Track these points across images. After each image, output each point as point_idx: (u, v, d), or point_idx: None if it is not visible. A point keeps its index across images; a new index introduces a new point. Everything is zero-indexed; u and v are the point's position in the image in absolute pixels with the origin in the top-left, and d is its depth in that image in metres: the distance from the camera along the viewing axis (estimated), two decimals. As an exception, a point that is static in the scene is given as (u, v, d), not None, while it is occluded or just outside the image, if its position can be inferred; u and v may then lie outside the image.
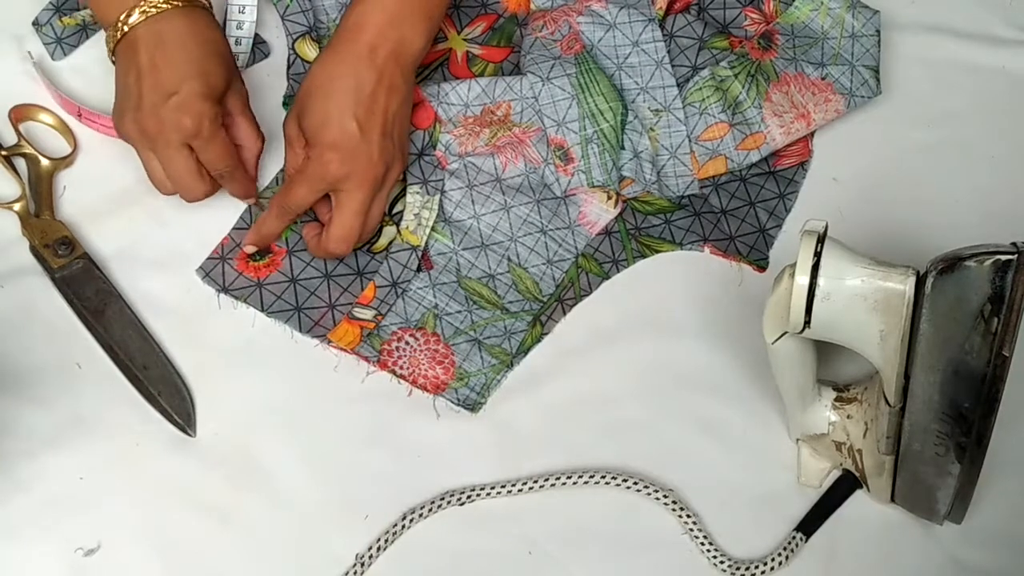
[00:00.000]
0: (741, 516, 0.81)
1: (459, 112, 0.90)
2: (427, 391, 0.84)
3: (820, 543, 0.80)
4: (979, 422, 0.67)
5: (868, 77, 0.93)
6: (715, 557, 0.79)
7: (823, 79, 0.92)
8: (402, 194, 0.89)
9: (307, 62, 0.92)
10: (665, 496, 0.81)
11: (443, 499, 0.80)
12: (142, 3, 0.80)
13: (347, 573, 0.78)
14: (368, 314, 0.85)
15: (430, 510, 0.80)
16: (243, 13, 0.93)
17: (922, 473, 0.75)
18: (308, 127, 0.82)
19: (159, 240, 0.87)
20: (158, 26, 0.80)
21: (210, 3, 0.84)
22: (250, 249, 0.86)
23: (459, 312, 0.86)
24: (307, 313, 0.85)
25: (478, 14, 0.97)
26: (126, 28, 0.80)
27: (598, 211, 0.90)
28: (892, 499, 0.80)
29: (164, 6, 0.80)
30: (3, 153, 0.89)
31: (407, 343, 0.85)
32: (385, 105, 0.82)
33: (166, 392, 0.82)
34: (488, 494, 0.81)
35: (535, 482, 0.81)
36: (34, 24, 0.93)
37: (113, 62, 0.82)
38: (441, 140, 0.90)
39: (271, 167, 0.90)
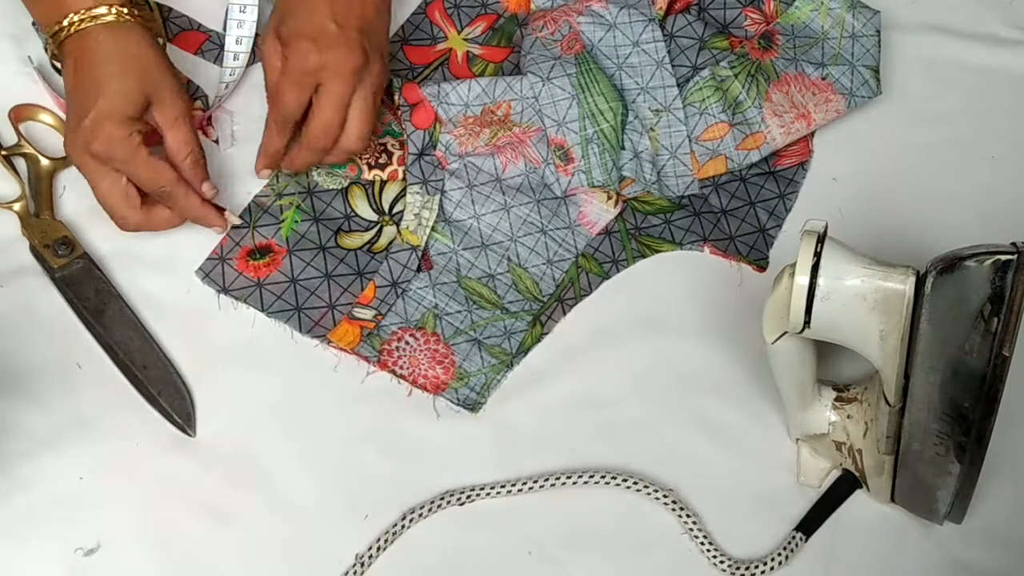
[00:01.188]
0: (741, 516, 0.81)
1: (459, 112, 0.90)
2: (427, 391, 0.84)
3: (820, 543, 0.80)
4: (979, 422, 0.67)
5: (868, 77, 0.93)
6: (715, 557, 0.79)
7: (823, 79, 0.92)
8: (402, 194, 0.89)
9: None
10: (665, 496, 0.81)
11: (443, 499, 0.80)
12: (71, 14, 0.80)
13: (347, 573, 0.78)
14: (368, 314, 0.85)
15: (430, 510, 0.80)
16: (244, 12, 0.93)
17: (922, 473, 0.75)
18: (287, 32, 0.84)
19: (159, 240, 0.87)
20: (82, 42, 0.80)
21: (154, 9, 0.86)
22: (265, 174, 0.87)
23: (459, 312, 0.86)
24: (307, 313, 0.85)
25: (478, 14, 0.97)
26: (59, 40, 0.81)
27: (598, 211, 0.90)
28: (892, 499, 0.80)
29: (88, 24, 0.80)
30: (3, 153, 0.89)
31: (407, 343, 0.85)
32: (361, 9, 0.84)
33: (166, 392, 0.82)
34: (488, 494, 0.81)
35: (535, 482, 0.81)
36: (34, 24, 0.93)
37: (56, 68, 0.84)
38: (441, 140, 0.90)
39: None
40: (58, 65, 0.84)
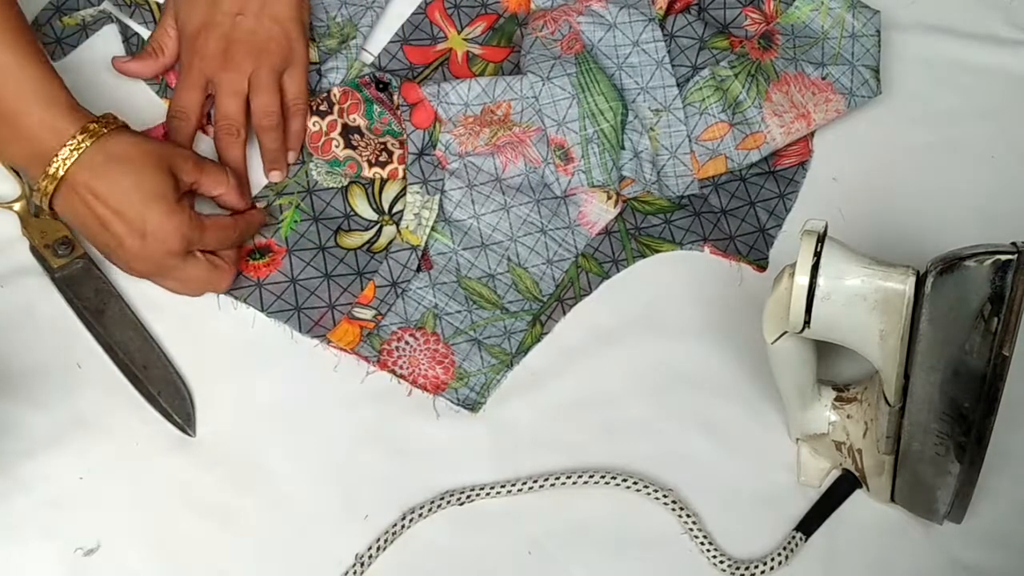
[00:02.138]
0: (741, 516, 0.81)
1: (459, 112, 0.90)
2: (427, 391, 0.84)
3: (820, 543, 0.80)
4: (979, 422, 0.67)
5: (868, 77, 0.93)
6: (715, 557, 0.79)
7: (823, 79, 0.92)
8: (402, 193, 0.89)
9: (310, 62, 0.92)
10: (665, 496, 0.81)
11: (443, 499, 0.80)
12: (61, 150, 0.76)
13: (347, 573, 0.78)
14: (368, 314, 0.85)
15: (430, 510, 0.80)
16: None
17: (922, 473, 0.75)
18: (180, 22, 0.88)
19: (159, 240, 0.87)
20: (85, 172, 0.77)
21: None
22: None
23: (459, 312, 0.86)
24: (307, 313, 0.85)
25: (478, 14, 0.97)
26: (60, 174, 0.77)
27: (598, 211, 0.90)
28: (892, 499, 0.80)
29: (83, 144, 0.76)
30: (3, 153, 0.89)
31: (407, 343, 0.85)
32: None
33: (166, 392, 0.82)
34: (488, 494, 0.81)
35: (535, 482, 0.81)
36: (33, 24, 0.93)
37: (50, 208, 0.79)
38: (441, 140, 0.90)
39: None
40: (48, 208, 0.79)
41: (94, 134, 0.77)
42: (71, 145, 0.76)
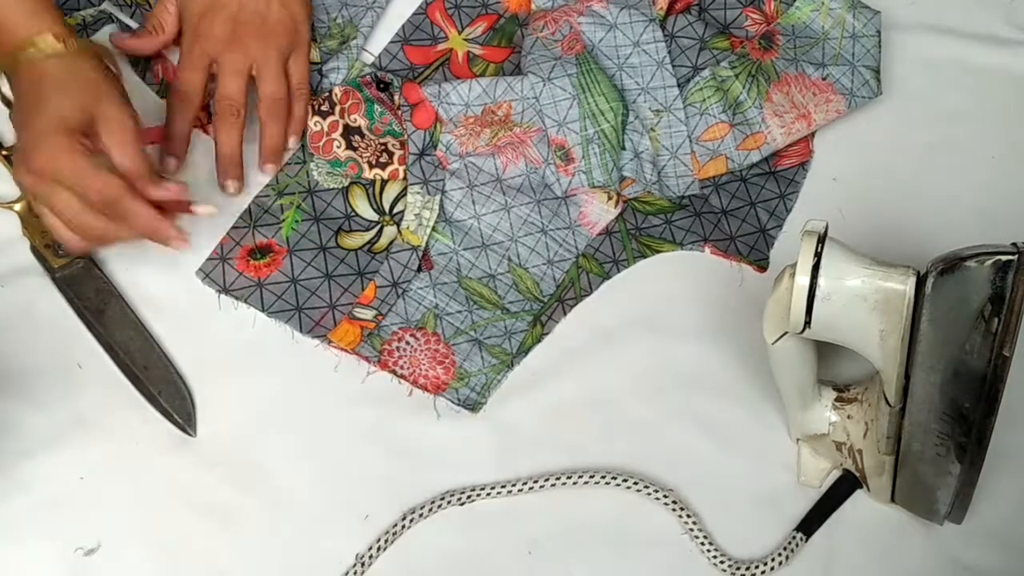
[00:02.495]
0: (741, 516, 0.81)
1: (460, 112, 0.90)
2: (427, 391, 0.84)
3: (820, 543, 0.80)
4: (979, 422, 0.67)
5: (869, 77, 0.93)
6: (715, 557, 0.79)
7: (824, 79, 0.92)
8: (403, 194, 0.89)
9: (311, 62, 0.92)
10: (665, 496, 0.81)
11: (443, 499, 0.80)
12: (28, 47, 0.78)
13: (347, 573, 0.78)
14: (368, 314, 0.85)
15: (430, 510, 0.80)
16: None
17: (922, 473, 0.75)
18: (180, 4, 0.88)
19: (159, 240, 0.87)
20: (33, 71, 0.79)
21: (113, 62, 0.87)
22: (172, 164, 0.87)
23: (459, 312, 0.86)
24: (307, 313, 0.85)
25: (479, 14, 0.97)
26: (21, 60, 0.79)
27: (599, 211, 0.90)
28: (892, 499, 0.80)
29: (36, 55, 0.78)
30: (3, 153, 0.89)
31: (407, 343, 0.85)
32: None
33: (166, 392, 0.82)
34: (488, 494, 0.81)
35: (535, 482, 0.81)
36: None
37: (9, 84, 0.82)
38: (442, 140, 0.90)
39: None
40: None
41: (60, 39, 0.79)
42: (31, 51, 0.78)
